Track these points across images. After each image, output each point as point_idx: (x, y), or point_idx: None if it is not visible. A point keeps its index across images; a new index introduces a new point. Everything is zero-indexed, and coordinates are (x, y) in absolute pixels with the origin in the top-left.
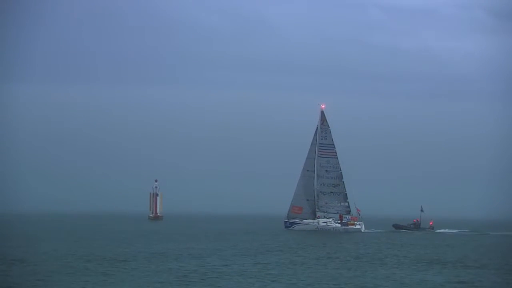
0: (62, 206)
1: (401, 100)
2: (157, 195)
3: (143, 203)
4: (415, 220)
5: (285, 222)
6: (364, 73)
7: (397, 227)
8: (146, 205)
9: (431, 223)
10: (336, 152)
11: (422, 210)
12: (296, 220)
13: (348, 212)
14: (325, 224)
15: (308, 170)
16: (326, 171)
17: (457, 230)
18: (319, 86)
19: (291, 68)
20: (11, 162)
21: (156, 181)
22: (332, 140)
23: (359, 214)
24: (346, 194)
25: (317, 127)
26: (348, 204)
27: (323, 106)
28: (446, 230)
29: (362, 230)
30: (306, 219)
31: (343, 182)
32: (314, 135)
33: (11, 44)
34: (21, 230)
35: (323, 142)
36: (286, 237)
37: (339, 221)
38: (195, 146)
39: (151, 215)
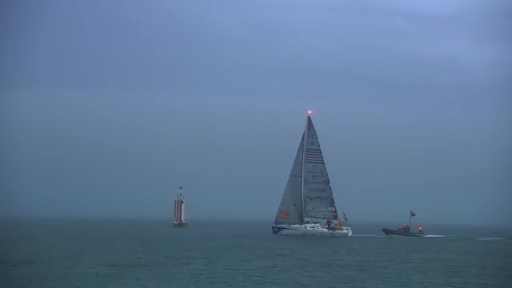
0: (76, 212)
1: (419, 106)
2: (181, 202)
3: (158, 210)
4: (404, 225)
5: (273, 227)
6: (386, 80)
7: (387, 231)
8: (162, 212)
9: (420, 228)
10: (322, 157)
11: (413, 214)
12: (284, 225)
13: (335, 217)
14: (312, 229)
15: (295, 176)
16: (313, 176)
17: (443, 236)
18: (341, 93)
19: (314, 75)
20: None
21: (181, 188)
22: (319, 145)
23: (346, 219)
24: (332, 199)
25: (304, 133)
26: (335, 209)
27: (309, 112)
28: (433, 236)
29: (349, 235)
30: (293, 224)
31: (330, 187)
32: (301, 140)
33: (13, 48)
34: (55, 236)
35: (310, 147)
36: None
37: (327, 226)
38: (220, 153)
39: (175, 222)
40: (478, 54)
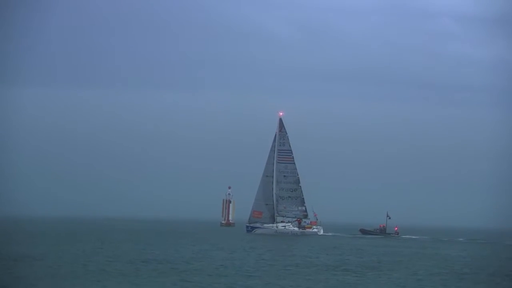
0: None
1: (463, 109)
2: (229, 202)
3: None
4: (381, 226)
5: (247, 226)
6: (428, 82)
7: (364, 231)
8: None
9: (396, 228)
10: (293, 158)
11: (388, 217)
12: (257, 225)
13: (305, 216)
14: (283, 228)
15: (267, 176)
16: (284, 176)
17: (417, 237)
18: (387, 95)
19: (362, 77)
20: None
21: (229, 188)
22: (290, 146)
23: (317, 218)
24: (303, 198)
25: (275, 134)
26: (305, 208)
27: (281, 113)
28: (409, 236)
29: (319, 234)
30: (266, 223)
31: (300, 186)
32: (273, 141)
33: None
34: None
35: (281, 148)
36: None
37: (298, 225)
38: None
39: (223, 222)
40: None
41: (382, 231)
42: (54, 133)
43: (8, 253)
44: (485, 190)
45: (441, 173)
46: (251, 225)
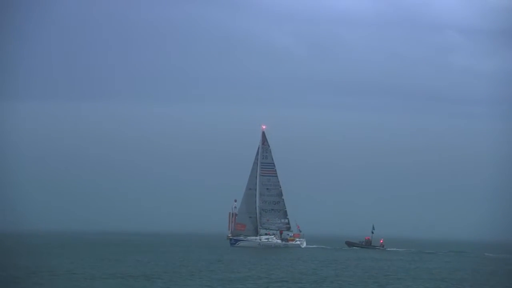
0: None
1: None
2: (236, 215)
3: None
4: (366, 238)
5: (230, 239)
6: (433, 94)
7: (349, 244)
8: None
9: (381, 241)
10: (276, 171)
11: (372, 231)
12: (241, 237)
13: (288, 229)
14: (266, 240)
15: (250, 189)
16: (267, 189)
17: (404, 249)
18: (393, 107)
19: (365, 88)
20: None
21: (235, 201)
22: (272, 159)
23: (300, 231)
24: (286, 211)
25: (258, 147)
26: (288, 220)
27: (264, 127)
28: (396, 249)
29: (302, 246)
30: (249, 235)
31: (283, 199)
32: (256, 154)
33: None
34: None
35: (264, 161)
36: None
37: (280, 238)
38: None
39: (229, 235)
40: None
41: (368, 244)
42: (54, 146)
43: None
44: (484, 201)
45: (440, 185)
46: (235, 237)
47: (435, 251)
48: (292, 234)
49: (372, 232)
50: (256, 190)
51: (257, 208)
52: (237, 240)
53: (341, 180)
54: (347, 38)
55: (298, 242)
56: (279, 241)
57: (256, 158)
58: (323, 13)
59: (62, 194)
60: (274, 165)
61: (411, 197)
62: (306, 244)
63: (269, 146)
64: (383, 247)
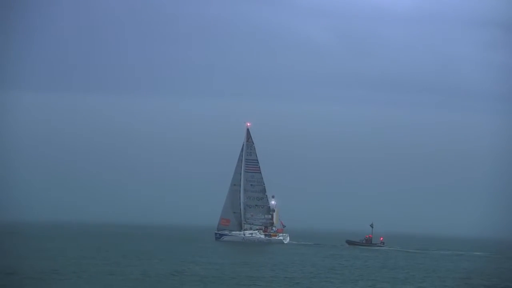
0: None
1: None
2: (273, 211)
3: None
4: (367, 236)
5: (215, 233)
6: (479, 91)
7: (350, 242)
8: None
9: (381, 239)
10: (259, 168)
11: (371, 226)
12: (225, 232)
13: (271, 224)
14: (250, 235)
15: (234, 185)
16: (251, 185)
17: (403, 247)
18: (436, 104)
19: (407, 86)
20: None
21: (273, 197)
22: (256, 156)
23: (283, 226)
24: (269, 207)
25: (243, 144)
26: (271, 216)
27: (248, 124)
28: (398, 248)
29: (285, 242)
30: (233, 230)
31: (266, 196)
32: (241, 151)
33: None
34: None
35: (248, 158)
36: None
37: (264, 233)
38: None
39: None
40: None
41: (368, 242)
42: (54, 137)
43: None
44: (484, 198)
45: (441, 181)
46: (220, 232)
47: (438, 248)
48: (276, 229)
49: (372, 226)
50: (240, 186)
51: (242, 204)
52: (222, 235)
53: (340, 175)
54: (381, 33)
55: (280, 238)
56: (262, 236)
57: (240, 155)
58: (355, 8)
59: (61, 185)
60: (258, 162)
61: (411, 191)
62: (290, 240)
63: (253, 143)
64: (383, 244)
